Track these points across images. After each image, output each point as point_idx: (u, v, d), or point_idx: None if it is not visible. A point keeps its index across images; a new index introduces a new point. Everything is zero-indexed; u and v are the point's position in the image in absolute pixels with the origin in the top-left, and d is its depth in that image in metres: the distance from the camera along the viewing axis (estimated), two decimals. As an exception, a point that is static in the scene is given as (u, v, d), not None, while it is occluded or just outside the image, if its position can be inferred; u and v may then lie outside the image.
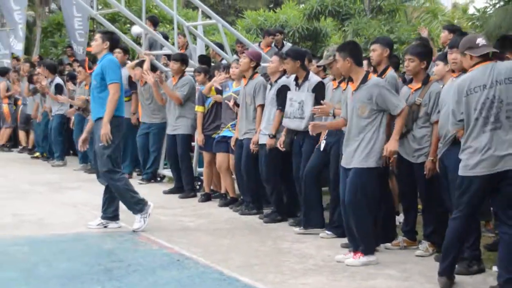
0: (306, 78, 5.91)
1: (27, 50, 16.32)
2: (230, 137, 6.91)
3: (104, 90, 5.69)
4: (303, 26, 12.28)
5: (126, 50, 9.27)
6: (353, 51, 4.84)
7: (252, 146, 6.39)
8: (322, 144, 5.54)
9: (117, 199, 5.88)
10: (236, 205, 6.88)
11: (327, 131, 5.49)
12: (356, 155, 4.76)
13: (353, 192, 4.72)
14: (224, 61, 8.66)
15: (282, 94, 6.06)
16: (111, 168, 5.68)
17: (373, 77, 4.86)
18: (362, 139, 4.75)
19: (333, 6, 11.26)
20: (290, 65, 5.92)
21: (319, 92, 5.77)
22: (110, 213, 5.88)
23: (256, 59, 6.69)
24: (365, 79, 4.79)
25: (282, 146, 6.00)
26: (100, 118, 5.68)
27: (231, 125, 6.99)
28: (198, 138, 7.38)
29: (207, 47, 11.14)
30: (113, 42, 5.90)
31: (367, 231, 4.76)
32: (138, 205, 5.76)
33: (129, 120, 9.05)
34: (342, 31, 11.84)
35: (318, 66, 6.25)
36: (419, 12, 13.96)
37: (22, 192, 7.78)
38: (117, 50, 9.24)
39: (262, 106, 6.44)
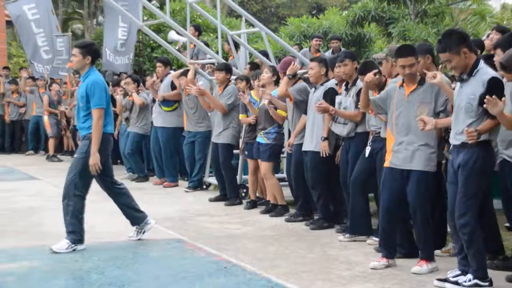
0: (354, 82, 5.88)
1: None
2: (261, 144, 7.02)
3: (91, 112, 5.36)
4: (346, 32, 12.23)
5: (167, 63, 9.40)
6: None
7: (288, 149, 6.45)
8: (367, 150, 5.48)
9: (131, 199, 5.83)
10: (277, 212, 6.88)
11: (371, 137, 5.45)
12: (416, 157, 4.65)
13: (419, 196, 4.64)
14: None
15: (329, 97, 6.04)
16: (79, 183, 5.44)
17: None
18: (423, 140, 4.64)
19: (377, 11, 11.16)
20: (349, 67, 5.87)
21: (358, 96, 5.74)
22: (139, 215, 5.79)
23: (282, 68, 6.73)
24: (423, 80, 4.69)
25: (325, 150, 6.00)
26: (87, 135, 5.40)
27: (263, 132, 7.02)
28: (243, 145, 7.42)
29: (251, 55, 11.21)
30: (95, 55, 5.48)
31: (430, 237, 4.69)
32: (75, 234, 5.35)
33: (177, 130, 9.19)
34: (386, 35, 11.72)
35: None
36: (465, 14, 13.68)
37: (73, 201, 7.95)
38: (158, 64, 9.43)
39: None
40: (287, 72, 6.70)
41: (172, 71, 9.51)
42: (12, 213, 7.04)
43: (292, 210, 6.83)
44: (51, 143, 13.14)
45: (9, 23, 20.29)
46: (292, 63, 6.70)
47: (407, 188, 4.68)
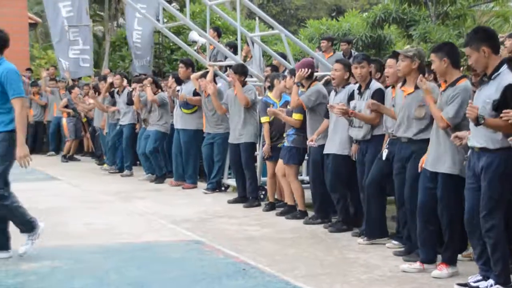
0: (367, 85, 5.87)
1: (96, 64, 16.90)
2: (283, 146, 7.02)
3: (5, 103, 4.90)
4: (366, 34, 12.17)
5: (188, 64, 9.44)
6: (451, 51, 4.70)
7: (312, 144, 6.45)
8: (384, 153, 5.45)
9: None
10: (293, 215, 6.87)
11: (388, 139, 5.43)
12: (443, 160, 4.62)
13: (447, 198, 4.61)
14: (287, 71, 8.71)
15: (350, 99, 6.02)
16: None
17: (464, 82, 4.67)
18: (449, 143, 4.60)
19: (397, 13, 11.09)
20: (366, 69, 5.85)
21: (376, 99, 5.71)
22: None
23: (309, 68, 6.71)
24: (455, 82, 4.65)
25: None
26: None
27: (285, 135, 7.03)
28: (265, 148, 7.41)
29: (269, 57, 11.22)
30: (2, 43, 5.00)
31: (456, 240, 4.66)
32: (28, 224, 5.10)
33: (198, 132, 9.23)
34: (407, 37, 11.64)
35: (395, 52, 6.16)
36: (488, 16, 13.52)
37: (94, 201, 8.05)
38: (180, 65, 9.47)
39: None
40: (295, 80, 6.71)
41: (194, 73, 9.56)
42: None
43: (311, 213, 6.82)
44: (68, 145, 13.28)
45: (31, 25, 20.60)
46: (301, 69, 6.68)
47: (436, 190, 4.66)
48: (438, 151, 4.65)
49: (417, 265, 4.75)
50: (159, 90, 10.05)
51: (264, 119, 7.48)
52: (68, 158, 13.17)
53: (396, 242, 5.47)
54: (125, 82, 11.07)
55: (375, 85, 5.86)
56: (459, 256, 5.01)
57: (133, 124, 10.72)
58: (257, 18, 10.68)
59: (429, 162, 4.72)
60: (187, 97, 9.08)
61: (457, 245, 4.71)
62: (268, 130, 7.42)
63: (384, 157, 5.42)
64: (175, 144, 9.43)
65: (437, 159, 4.65)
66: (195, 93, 9.10)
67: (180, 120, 9.29)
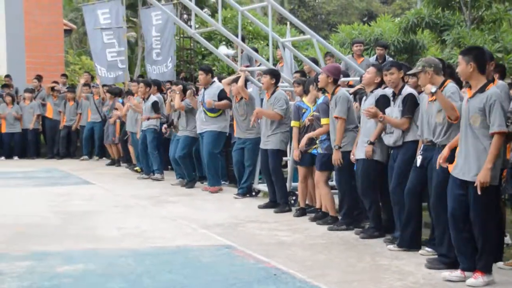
0: (400, 91, 5.81)
1: (129, 69, 17.11)
2: (316, 154, 6.97)
3: None
4: (398, 39, 12.04)
5: (207, 70, 9.48)
6: (478, 56, 4.64)
7: (336, 162, 6.43)
8: (419, 159, 5.38)
9: None
10: (324, 220, 6.84)
11: (422, 145, 5.36)
12: (474, 168, 4.54)
13: (480, 207, 4.53)
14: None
15: (380, 105, 5.97)
16: None
17: (493, 87, 4.61)
18: (477, 151, 4.54)
19: (431, 18, 10.93)
20: (395, 75, 5.81)
21: (408, 102, 5.64)
22: None
23: (333, 74, 6.67)
24: (483, 88, 4.59)
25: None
26: None
27: (318, 141, 6.99)
28: (295, 153, 7.40)
29: (300, 62, 11.21)
30: None
31: (489, 248, 4.57)
32: None
33: (222, 134, 9.25)
34: (440, 42, 11.47)
35: (406, 75, 6.12)
36: (524, 20, 13.23)
37: (126, 206, 8.13)
38: (200, 72, 9.54)
39: (340, 118, 6.45)
40: (319, 85, 6.70)
41: (215, 79, 9.60)
42: (68, 217, 7.24)
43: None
44: (116, 148, 13.45)
45: (66, 32, 20.97)
46: (322, 74, 6.67)
47: (467, 197, 4.60)
48: (468, 158, 4.57)
49: (458, 273, 4.66)
50: (184, 97, 10.09)
51: (293, 123, 7.46)
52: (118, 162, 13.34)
53: (429, 249, 5.39)
54: (150, 88, 11.14)
55: (407, 90, 5.80)
56: (501, 264, 4.92)
57: (154, 129, 10.79)
58: (288, 23, 10.67)
59: (458, 169, 4.65)
60: (215, 103, 9.11)
61: (491, 253, 4.61)
62: (297, 134, 7.38)
63: (418, 164, 5.35)
64: (201, 147, 9.44)
65: (467, 167, 4.57)
66: (220, 97, 9.14)
67: (204, 123, 9.31)
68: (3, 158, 14.85)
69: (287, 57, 9.66)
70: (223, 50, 11.12)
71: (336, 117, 6.49)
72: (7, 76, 16.05)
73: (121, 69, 14.88)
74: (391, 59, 10.23)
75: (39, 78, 15.77)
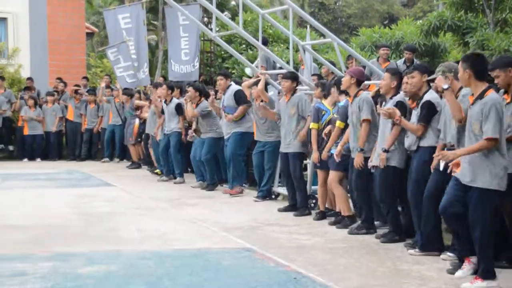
0: (422, 96, 5.77)
1: (149, 72, 17.24)
2: (332, 154, 6.94)
3: None
4: (420, 42, 11.97)
5: (227, 75, 9.51)
6: (475, 63, 4.64)
7: (358, 164, 6.41)
8: (442, 163, 5.34)
9: None
10: (344, 224, 6.82)
11: (445, 149, 5.31)
12: (480, 174, 4.54)
13: (482, 212, 4.52)
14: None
15: (397, 108, 5.94)
16: None
17: (491, 94, 4.60)
18: (478, 156, 4.53)
19: (453, 20, 10.83)
20: (416, 79, 5.77)
21: (424, 109, 5.61)
22: None
23: (357, 75, 6.65)
24: (481, 95, 4.58)
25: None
26: None
27: (336, 142, 6.97)
28: (314, 156, 7.39)
29: (319, 65, 11.19)
30: None
31: (487, 254, 4.54)
32: None
33: (246, 134, 9.27)
34: (462, 45, 11.36)
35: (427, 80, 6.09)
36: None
37: (147, 208, 8.18)
38: (219, 77, 9.57)
39: (367, 120, 6.41)
40: (342, 87, 6.70)
41: (233, 83, 9.62)
42: (90, 218, 7.31)
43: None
44: (136, 149, 13.55)
45: (88, 35, 21.20)
46: (345, 75, 6.67)
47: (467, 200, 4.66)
48: (474, 163, 4.57)
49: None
50: (202, 99, 10.11)
51: (312, 125, 7.45)
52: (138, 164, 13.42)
53: (451, 254, 5.34)
54: (173, 92, 11.19)
55: (427, 96, 5.73)
56: None
57: (178, 132, 10.83)
58: (308, 26, 10.66)
59: (462, 173, 4.65)
60: (233, 117, 9.12)
61: (489, 259, 4.55)
62: (316, 136, 7.36)
63: (441, 168, 5.30)
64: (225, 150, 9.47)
65: (472, 172, 4.57)
66: (235, 99, 9.15)
67: (229, 127, 9.34)
68: (26, 159, 15.05)
69: (307, 60, 9.64)
70: (248, 71, 11.19)
71: (364, 120, 6.44)
72: (29, 78, 16.26)
73: (130, 83, 14.99)
74: (419, 62, 10.14)
75: (63, 81, 15.95)
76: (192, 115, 9.97)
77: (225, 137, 9.50)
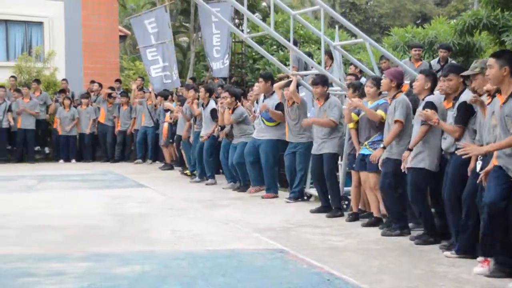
0: (458, 96, 5.68)
1: (181, 74, 17.39)
2: (367, 155, 6.86)
3: None
4: (454, 41, 11.80)
5: (267, 77, 9.47)
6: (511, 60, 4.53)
7: (374, 159, 6.40)
8: (478, 165, 5.25)
9: None
10: (380, 225, 6.77)
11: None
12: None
13: None
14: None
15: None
16: None
17: None
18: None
19: (489, 19, 10.63)
20: (454, 82, 5.69)
21: (460, 111, 5.52)
22: None
23: (397, 78, 6.58)
24: None
25: None
26: None
27: (368, 142, 6.90)
28: (357, 154, 7.28)
29: (346, 64, 11.12)
30: None
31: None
32: None
33: (279, 142, 9.25)
34: (499, 44, 11.15)
35: (462, 76, 5.98)
36: None
37: (179, 209, 8.24)
38: (260, 79, 9.54)
39: (399, 121, 6.34)
40: (381, 89, 6.67)
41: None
42: (123, 219, 7.39)
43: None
44: (169, 151, 13.67)
45: (121, 38, 21.46)
46: (385, 78, 6.61)
47: None
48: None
49: None
50: (239, 104, 10.12)
51: (351, 125, 7.38)
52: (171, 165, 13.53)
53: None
54: (211, 94, 11.24)
55: (463, 96, 5.63)
56: None
57: (212, 136, 10.87)
58: (336, 27, 10.62)
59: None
60: (270, 109, 9.10)
61: None
62: (356, 136, 7.27)
63: (478, 169, 5.22)
64: (252, 152, 9.45)
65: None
66: (278, 107, 9.13)
67: (262, 131, 9.32)
68: (61, 161, 15.33)
69: (338, 60, 9.59)
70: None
71: (396, 120, 6.38)
72: (64, 79, 16.55)
73: (166, 84, 15.12)
74: (453, 61, 9.99)
75: (98, 83, 16.20)
76: (228, 123, 9.97)
77: (254, 137, 9.45)
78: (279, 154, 9.34)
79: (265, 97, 9.43)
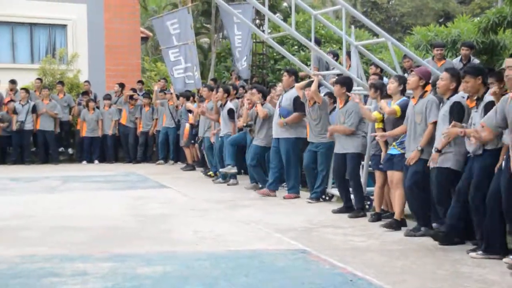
0: (482, 97, 5.60)
1: (202, 75, 17.45)
2: (395, 155, 6.79)
3: None
4: (478, 39, 11.65)
5: (292, 72, 9.45)
6: None
7: (411, 160, 6.33)
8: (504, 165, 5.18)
9: None
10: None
11: (508, 150, 5.16)
12: None
13: None
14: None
15: (455, 113, 5.80)
16: None
17: None
18: None
19: (513, 16, 10.50)
20: (471, 83, 5.62)
21: (486, 112, 5.45)
22: None
23: (426, 77, 6.51)
24: None
25: None
26: None
27: (396, 142, 6.84)
28: (383, 155, 7.19)
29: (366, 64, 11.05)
30: None
31: None
32: None
33: (299, 140, 9.23)
34: (524, 42, 11.02)
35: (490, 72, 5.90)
36: None
37: (201, 209, 8.26)
38: (284, 73, 9.53)
39: (435, 123, 6.24)
40: (409, 87, 6.58)
41: (295, 84, 9.57)
42: (146, 219, 7.44)
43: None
44: (191, 151, 13.74)
45: (143, 39, 21.61)
46: (413, 76, 6.55)
47: None
48: None
49: None
50: (265, 101, 10.13)
51: (377, 124, 7.32)
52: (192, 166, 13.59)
53: (515, 257, 5.17)
54: (229, 95, 11.25)
55: (487, 98, 5.56)
56: None
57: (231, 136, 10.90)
58: (352, 27, 10.55)
59: None
60: (285, 121, 9.10)
61: None
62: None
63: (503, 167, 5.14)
64: (273, 152, 9.44)
65: None
66: (294, 104, 9.11)
67: (281, 129, 9.31)
68: (84, 162, 15.48)
69: (355, 60, 9.56)
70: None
71: (432, 122, 6.28)
72: (86, 81, 16.72)
73: (188, 84, 15.18)
74: (476, 60, 9.86)
75: (121, 85, 16.33)
76: (263, 114, 9.91)
77: (274, 136, 9.44)
78: (301, 152, 9.33)
79: (285, 92, 9.43)
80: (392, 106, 6.88)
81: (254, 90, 10.24)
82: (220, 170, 11.00)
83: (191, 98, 14.03)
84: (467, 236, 5.96)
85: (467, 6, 28.66)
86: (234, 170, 10.63)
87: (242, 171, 11.70)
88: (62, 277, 4.79)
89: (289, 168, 9.23)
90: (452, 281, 4.71)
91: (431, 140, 6.28)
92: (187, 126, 13.55)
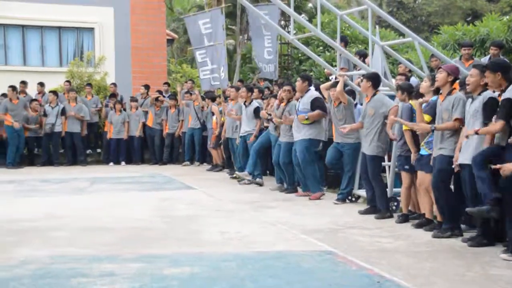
0: (502, 92, 5.53)
1: (228, 76, 17.50)
2: (423, 156, 6.73)
3: None
4: (507, 38, 11.48)
5: (305, 78, 9.44)
6: None
7: (455, 164, 6.18)
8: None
9: None
10: (430, 227, 6.64)
11: None
12: None
13: None
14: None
15: (488, 108, 5.72)
16: None
17: None
18: None
19: (544, 13, 10.34)
20: (490, 78, 5.57)
21: (505, 106, 5.37)
22: None
23: (454, 73, 6.43)
24: None
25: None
26: None
27: (424, 143, 6.77)
28: (413, 156, 7.12)
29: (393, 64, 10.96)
30: None
31: None
32: None
33: (314, 141, 9.19)
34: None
35: None
36: None
37: (227, 210, 8.29)
38: (298, 78, 9.53)
39: (460, 120, 6.18)
40: (437, 84, 6.51)
41: (311, 87, 9.55)
42: (172, 220, 7.49)
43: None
44: (218, 153, 13.80)
45: (169, 41, 21.78)
46: (441, 72, 6.47)
47: None
48: None
49: None
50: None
51: (404, 126, 7.25)
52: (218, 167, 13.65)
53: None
54: (252, 94, 11.28)
55: (507, 93, 5.47)
56: None
57: (253, 135, 10.88)
58: (377, 27, 10.48)
59: None
60: (310, 115, 9.07)
61: None
62: (411, 138, 7.07)
63: None
64: (293, 155, 9.42)
65: None
66: (312, 106, 9.08)
67: (297, 131, 9.28)
68: (111, 163, 15.65)
69: (380, 59, 9.49)
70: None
71: (456, 119, 6.23)
72: (113, 83, 16.90)
73: (213, 85, 15.24)
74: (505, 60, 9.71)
75: (147, 87, 16.48)
76: (288, 122, 9.91)
77: (294, 139, 9.42)
78: (319, 152, 9.28)
79: (301, 97, 9.41)
80: (422, 116, 6.77)
81: (288, 87, 10.02)
82: (237, 173, 11.05)
83: (217, 99, 14.09)
84: (498, 238, 5.87)
85: (496, 4, 28.23)
86: (249, 177, 10.66)
87: (268, 172, 11.70)
88: (90, 277, 4.85)
89: (306, 168, 9.18)
90: (482, 284, 4.65)
91: (456, 137, 6.21)
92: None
